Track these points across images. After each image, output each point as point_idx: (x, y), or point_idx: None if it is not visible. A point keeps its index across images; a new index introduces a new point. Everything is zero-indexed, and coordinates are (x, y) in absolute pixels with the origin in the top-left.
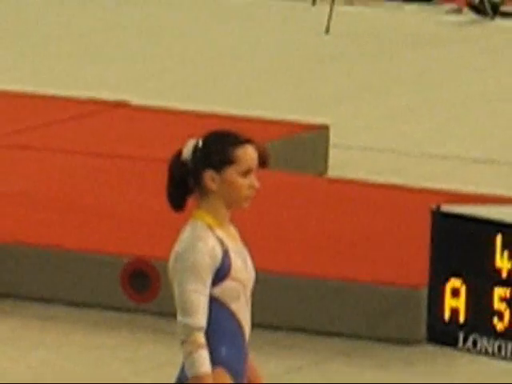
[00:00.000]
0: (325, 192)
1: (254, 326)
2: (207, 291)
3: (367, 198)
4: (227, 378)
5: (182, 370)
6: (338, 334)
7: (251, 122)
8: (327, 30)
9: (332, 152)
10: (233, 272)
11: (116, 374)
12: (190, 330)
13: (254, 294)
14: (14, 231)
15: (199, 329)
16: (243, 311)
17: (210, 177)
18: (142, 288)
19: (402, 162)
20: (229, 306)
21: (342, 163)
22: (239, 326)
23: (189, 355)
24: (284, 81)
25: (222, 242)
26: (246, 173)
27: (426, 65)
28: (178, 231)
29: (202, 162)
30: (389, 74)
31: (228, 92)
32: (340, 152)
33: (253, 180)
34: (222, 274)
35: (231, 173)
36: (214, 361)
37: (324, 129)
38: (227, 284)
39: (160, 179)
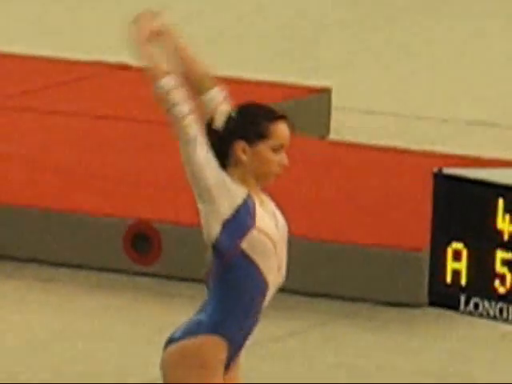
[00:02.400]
0: (326, 155)
1: None
2: (201, 138)
3: (369, 161)
4: (222, 349)
5: (176, 329)
6: (340, 297)
7: (253, 84)
8: None
9: (334, 115)
10: (258, 221)
11: (118, 336)
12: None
13: None
14: (17, 193)
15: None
16: (272, 273)
17: (241, 148)
18: (145, 250)
19: (404, 125)
20: (257, 263)
21: (344, 126)
22: (264, 288)
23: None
24: (287, 45)
25: (248, 193)
26: (278, 149)
27: (430, 29)
28: (181, 194)
29: (235, 132)
30: (391, 38)
31: (231, 55)
32: (342, 115)
33: (283, 157)
34: (245, 221)
35: (263, 147)
36: (218, 328)
37: (326, 92)
38: (254, 235)
39: (162, 141)
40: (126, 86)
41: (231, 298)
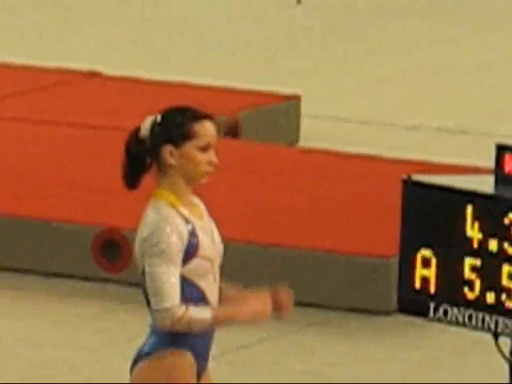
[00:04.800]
0: (296, 162)
1: None
2: (178, 271)
3: (338, 168)
4: (190, 361)
5: (143, 344)
6: (309, 305)
7: (223, 92)
8: (299, 1)
9: (304, 122)
10: (201, 250)
11: (88, 344)
12: (172, 312)
13: (224, 264)
14: None
15: (179, 307)
16: (211, 288)
17: (168, 152)
18: (114, 258)
19: (374, 132)
20: (197, 284)
21: (314, 133)
22: (207, 304)
23: (189, 324)
24: (256, 51)
25: (187, 221)
26: (205, 148)
27: (398, 35)
28: (149, 201)
29: (160, 137)
30: (361, 44)
31: (200, 62)
32: (312, 122)
33: (212, 156)
34: (189, 253)
35: (190, 148)
36: (180, 341)
37: (296, 99)
38: (194, 262)
39: None
40: (94, 93)
41: None
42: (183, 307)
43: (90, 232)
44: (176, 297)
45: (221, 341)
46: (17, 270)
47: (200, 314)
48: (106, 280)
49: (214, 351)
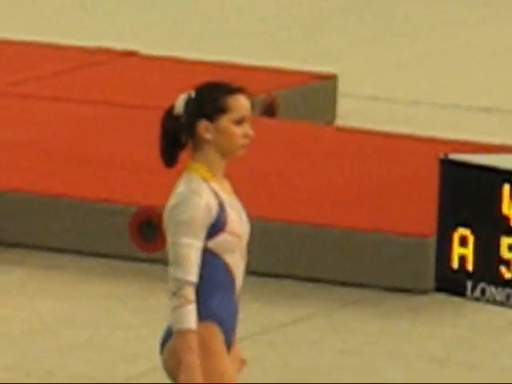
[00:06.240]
0: (333, 141)
1: (261, 274)
2: (201, 245)
3: (375, 147)
4: (217, 332)
5: (170, 323)
6: (347, 284)
7: (260, 71)
8: None
9: (340, 101)
10: (229, 226)
11: (125, 323)
12: (181, 283)
13: (262, 243)
14: (24, 181)
15: (191, 283)
16: (238, 265)
17: (204, 126)
18: (151, 237)
19: (411, 111)
20: (223, 258)
21: (351, 112)
22: (232, 280)
23: (176, 309)
24: (292, 30)
25: (217, 195)
26: (240, 121)
27: (433, 14)
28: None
29: (195, 113)
30: (397, 23)
31: (238, 42)
32: (348, 101)
33: (247, 128)
34: (217, 227)
35: (225, 121)
36: (205, 313)
37: (332, 78)
38: (223, 237)
39: None
40: (132, 72)
41: (204, 289)
42: (192, 295)
43: (127, 211)
44: (193, 272)
45: (260, 320)
46: (54, 250)
47: (188, 317)
48: (143, 259)
49: (253, 330)
